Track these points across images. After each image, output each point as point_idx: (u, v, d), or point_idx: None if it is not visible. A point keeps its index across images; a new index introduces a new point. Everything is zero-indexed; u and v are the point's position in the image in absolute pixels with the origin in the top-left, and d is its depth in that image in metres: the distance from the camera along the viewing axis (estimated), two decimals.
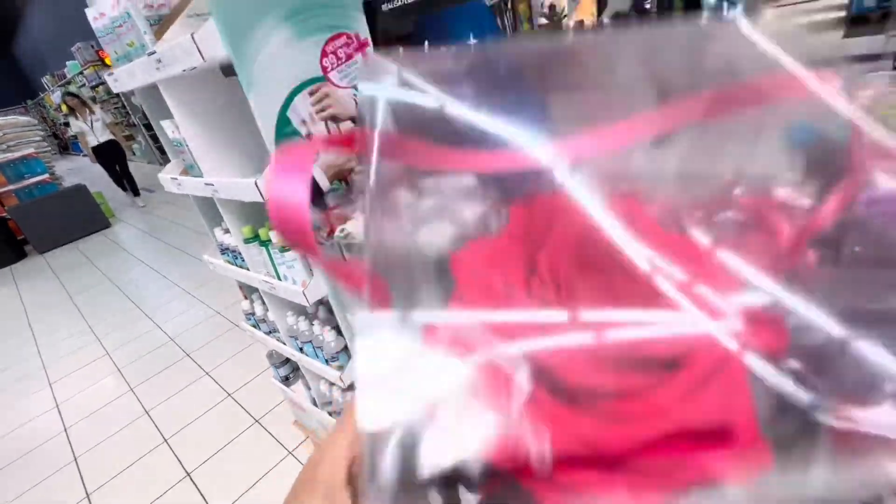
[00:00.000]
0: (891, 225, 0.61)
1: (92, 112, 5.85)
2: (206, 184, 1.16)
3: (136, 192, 6.54)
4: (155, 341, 3.08)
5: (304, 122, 1.05)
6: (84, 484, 2.06)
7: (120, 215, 6.40)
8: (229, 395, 2.42)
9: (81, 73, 9.87)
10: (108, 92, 9.53)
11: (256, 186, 1.01)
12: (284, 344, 1.50)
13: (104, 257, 5.03)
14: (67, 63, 10.26)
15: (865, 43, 5.79)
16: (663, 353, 0.15)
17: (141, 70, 1.07)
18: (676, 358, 0.16)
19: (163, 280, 4.03)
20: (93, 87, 9.67)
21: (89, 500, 1.97)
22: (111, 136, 6.05)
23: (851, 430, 0.34)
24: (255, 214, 1.28)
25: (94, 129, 5.86)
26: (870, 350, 0.41)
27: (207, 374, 2.62)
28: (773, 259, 0.55)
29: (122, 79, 1.19)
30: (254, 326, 1.63)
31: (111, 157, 6.17)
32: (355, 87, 1.15)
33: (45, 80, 11.92)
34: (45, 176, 5.76)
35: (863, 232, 0.59)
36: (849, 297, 0.47)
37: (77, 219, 5.84)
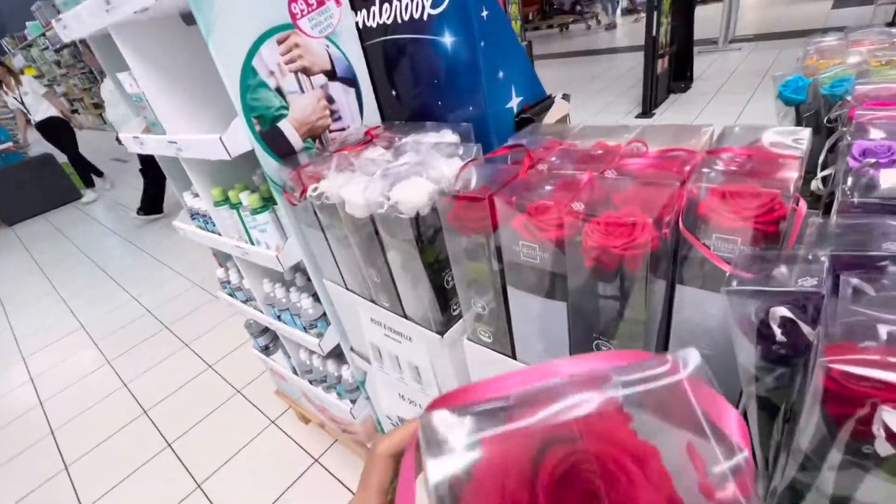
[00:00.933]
0: (880, 175, 0.58)
1: (19, 83, 4.70)
2: (170, 142, 1.08)
3: (98, 173, 5.69)
4: (132, 314, 3.01)
5: (272, 73, 0.98)
6: (62, 456, 2.03)
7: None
8: (210, 366, 2.38)
9: (43, 34, 9.28)
10: (75, 56, 9.01)
11: (222, 143, 0.94)
12: (262, 312, 1.46)
13: (76, 229, 4.85)
14: (28, 24, 9.62)
15: (853, 13, 5.76)
16: None
17: (89, 13, 0.98)
18: None
19: (138, 252, 3.91)
20: (56, 51, 9.12)
21: (67, 471, 1.95)
22: (53, 112, 4.89)
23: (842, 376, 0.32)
24: (225, 175, 1.21)
25: (24, 104, 4.71)
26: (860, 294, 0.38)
27: (187, 345, 2.58)
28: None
29: (71, 25, 1.09)
30: (230, 295, 1.58)
31: (55, 138, 5.02)
32: (328, 38, 1.07)
33: (5, 42, 11.18)
34: (9, 144, 5.47)
35: (854, 182, 0.56)
36: (840, 244, 0.45)
37: (46, 189, 5.60)
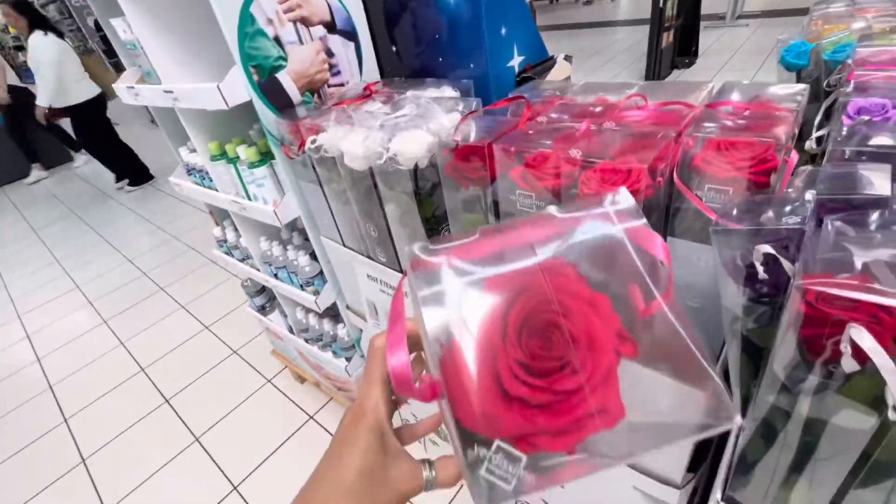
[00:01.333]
0: (872, 129, 0.60)
1: None
2: (165, 91, 1.06)
3: (72, 147, 5.16)
4: (127, 276, 3.02)
5: (269, 21, 0.96)
6: (61, 409, 2.07)
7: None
8: (206, 327, 2.41)
9: None
10: (61, 11, 8.67)
11: (219, 91, 0.93)
12: (258, 271, 1.47)
13: (68, 192, 4.79)
14: None
15: None
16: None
17: None
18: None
19: (132, 215, 3.89)
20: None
21: (67, 424, 1.99)
22: None
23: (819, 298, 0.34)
24: (222, 128, 1.20)
25: None
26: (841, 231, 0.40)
27: (183, 307, 2.60)
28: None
29: None
30: (226, 254, 1.59)
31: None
32: None
33: None
34: None
35: (848, 135, 0.58)
36: (826, 189, 0.46)
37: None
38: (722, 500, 0.52)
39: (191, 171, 1.37)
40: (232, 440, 1.78)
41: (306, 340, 1.58)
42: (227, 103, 0.95)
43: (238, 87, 0.95)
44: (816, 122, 0.76)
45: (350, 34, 1.12)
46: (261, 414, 1.86)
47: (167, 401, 2.02)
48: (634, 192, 0.56)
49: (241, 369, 2.10)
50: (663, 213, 0.63)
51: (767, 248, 0.42)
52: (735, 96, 0.66)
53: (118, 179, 4.38)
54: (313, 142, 0.92)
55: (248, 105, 1.01)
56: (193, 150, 1.31)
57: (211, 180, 1.28)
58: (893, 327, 0.32)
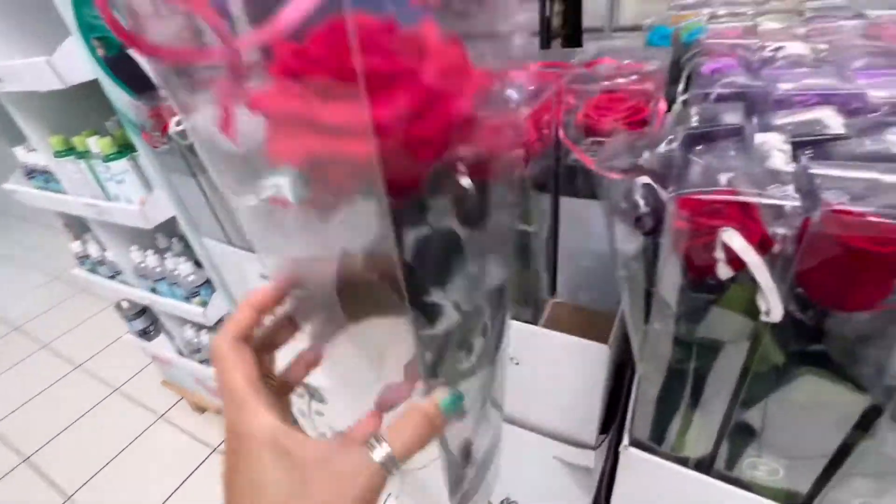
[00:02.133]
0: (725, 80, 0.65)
1: None
2: None
3: None
4: None
5: None
6: None
7: None
8: (77, 366, 2.05)
9: None
10: None
11: (51, 67, 0.78)
12: (132, 286, 1.27)
13: None
14: None
15: None
16: None
17: None
18: None
19: None
20: None
21: None
22: None
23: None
24: (65, 117, 1.01)
25: None
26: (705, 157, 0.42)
27: (45, 346, 2.19)
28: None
29: None
30: (90, 272, 1.36)
31: None
32: None
33: None
34: None
35: (706, 85, 0.62)
36: (692, 123, 0.49)
37: None
38: (630, 444, 0.52)
39: (31, 174, 1.14)
40: (116, 492, 1.52)
41: (200, 362, 1.40)
42: (63, 82, 0.79)
43: (76, 62, 0.80)
44: (679, 89, 0.83)
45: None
46: (153, 456, 1.61)
47: (26, 459, 1.66)
48: (525, 147, 0.55)
49: (125, 409, 1.81)
50: (554, 175, 0.63)
51: (645, 179, 0.42)
52: (607, 57, 0.69)
53: None
54: (178, 124, 0.80)
55: (97, 89, 0.86)
56: (33, 150, 1.10)
57: (58, 182, 1.08)
58: (758, 232, 0.33)
